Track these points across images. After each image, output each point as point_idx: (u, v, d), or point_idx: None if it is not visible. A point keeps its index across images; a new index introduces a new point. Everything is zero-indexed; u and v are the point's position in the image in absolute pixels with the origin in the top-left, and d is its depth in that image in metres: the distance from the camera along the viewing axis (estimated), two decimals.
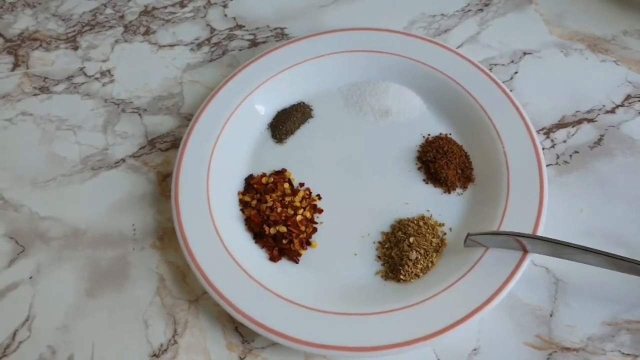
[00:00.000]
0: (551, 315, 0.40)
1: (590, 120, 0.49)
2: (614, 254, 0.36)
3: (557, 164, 0.47)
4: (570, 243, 0.37)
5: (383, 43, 0.51)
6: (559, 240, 0.37)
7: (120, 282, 0.44)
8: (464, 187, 0.45)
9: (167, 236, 0.45)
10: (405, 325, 0.38)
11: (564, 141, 0.48)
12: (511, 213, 0.41)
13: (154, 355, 0.40)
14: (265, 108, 0.50)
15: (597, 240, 0.42)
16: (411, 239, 0.41)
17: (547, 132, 0.49)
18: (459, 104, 0.48)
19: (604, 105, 0.50)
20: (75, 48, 0.58)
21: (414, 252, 0.41)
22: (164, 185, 0.48)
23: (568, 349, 0.39)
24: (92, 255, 0.45)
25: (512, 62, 0.53)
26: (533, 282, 0.41)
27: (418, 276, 0.41)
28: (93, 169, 0.50)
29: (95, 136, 0.52)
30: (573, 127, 0.49)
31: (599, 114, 0.49)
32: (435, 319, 0.37)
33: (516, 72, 0.53)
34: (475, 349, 0.39)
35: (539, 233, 0.40)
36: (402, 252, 0.41)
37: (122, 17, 0.60)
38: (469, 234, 0.39)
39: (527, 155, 0.44)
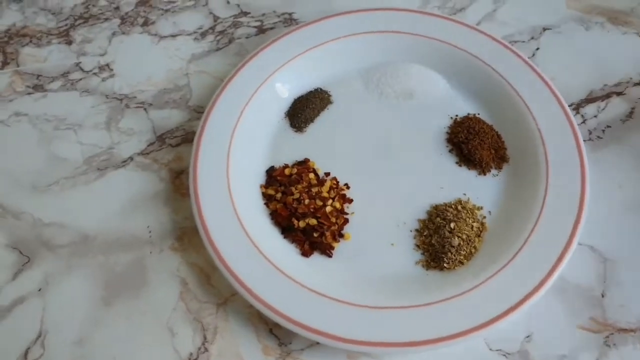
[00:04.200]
0: (603, 296, 0.38)
1: (619, 94, 0.48)
2: None
3: (590, 139, 0.45)
4: None
5: (400, 23, 0.49)
6: None
7: (137, 288, 0.40)
8: (499, 167, 0.43)
9: (186, 236, 0.42)
10: (454, 316, 0.35)
11: (595, 116, 0.47)
12: (553, 192, 0.40)
13: None
14: (284, 92, 0.47)
15: None
16: (452, 225, 0.39)
17: (577, 107, 0.47)
18: (484, 82, 0.46)
19: (631, 78, 0.48)
20: (69, 42, 0.54)
21: (456, 238, 0.39)
22: (177, 183, 0.45)
23: (625, 330, 0.37)
24: (105, 262, 0.41)
25: (533, 38, 0.52)
26: (580, 263, 0.39)
27: (462, 263, 0.38)
28: (99, 169, 0.46)
29: (99, 134, 0.48)
30: (602, 101, 0.47)
31: (627, 87, 0.48)
32: (485, 308, 0.35)
33: (538, 49, 0.51)
34: (528, 336, 0.37)
35: (585, 209, 0.38)
36: (444, 239, 0.39)
37: (117, 8, 0.57)
38: None
39: (562, 130, 0.42)
